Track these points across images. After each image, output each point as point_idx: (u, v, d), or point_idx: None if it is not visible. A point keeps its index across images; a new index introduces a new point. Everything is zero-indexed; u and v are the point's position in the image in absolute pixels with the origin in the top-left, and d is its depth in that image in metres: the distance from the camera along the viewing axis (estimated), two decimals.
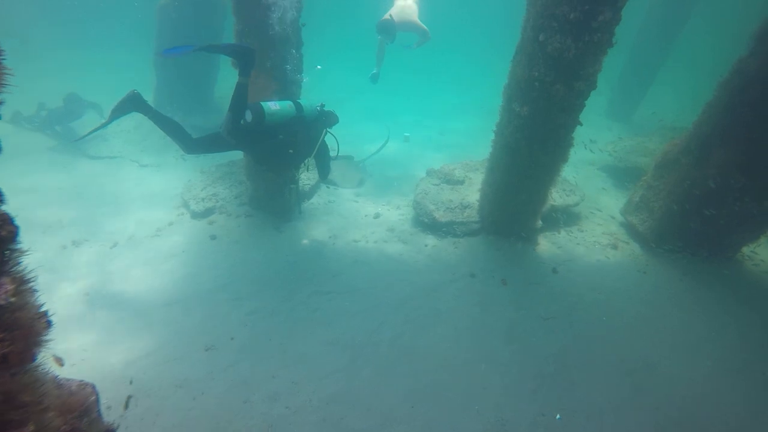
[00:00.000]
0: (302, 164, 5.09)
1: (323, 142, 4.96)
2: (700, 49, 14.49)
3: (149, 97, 9.56)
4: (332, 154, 5.16)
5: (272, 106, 4.50)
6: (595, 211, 6.83)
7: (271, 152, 4.69)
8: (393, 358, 4.16)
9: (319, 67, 5.52)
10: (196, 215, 6.13)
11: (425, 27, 7.35)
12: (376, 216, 6.44)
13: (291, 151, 4.69)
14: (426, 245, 5.77)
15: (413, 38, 7.63)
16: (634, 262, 5.69)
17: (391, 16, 7.08)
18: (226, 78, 7.42)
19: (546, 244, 5.85)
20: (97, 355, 4.02)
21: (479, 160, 7.15)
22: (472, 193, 6.34)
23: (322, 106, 4.97)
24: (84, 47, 15.70)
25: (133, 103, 4.42)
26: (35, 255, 5.32)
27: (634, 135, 9.83)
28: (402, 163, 8.73)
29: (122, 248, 5.54)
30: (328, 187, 7.23)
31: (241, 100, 4.32)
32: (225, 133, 4.40)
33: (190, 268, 5.20)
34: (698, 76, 13.20)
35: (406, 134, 10.03)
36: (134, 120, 9.18)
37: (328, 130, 4.97)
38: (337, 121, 5.11)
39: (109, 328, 4.33)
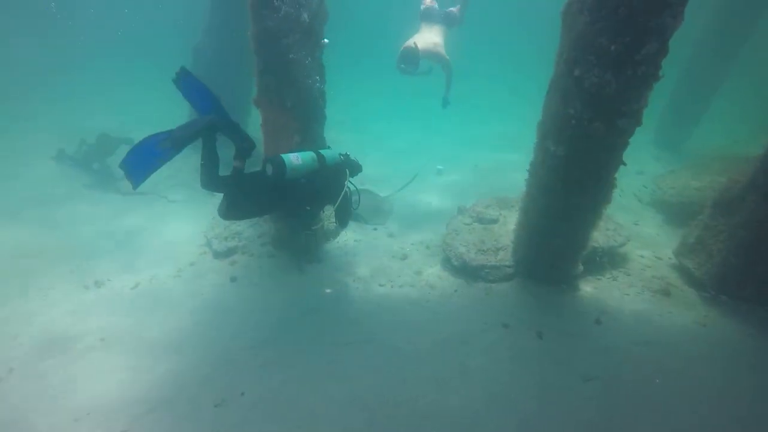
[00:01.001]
0: (321, 212, 4.96)
1: (345, 192, 4.81)
2: (758, 74, 13.47)
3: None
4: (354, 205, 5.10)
5: (294, 160, 4.39)
6: (644, 252, 6.22)
7: (287, 210, 4.64)
8: (414, 422, 3.76)
9: (326, 41, 5.25)
10: (218, 255, 6.01)
11: (448, 58, 7.06)
12: (404, 257, 6.11)
13: (308, 208, 4.60)
14: (455, 291, 5.38)
15: (431, 69, 7.32)
16: (691, 311, 5.06)
17: (415, 44, 6.86)
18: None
19: (588, 291, 5.33)
20: (104, 407, 3.85)
21: (515, 196, 6.73)
22: (506, 233, 5.93)
23: (346, 155, 4.86)
24: (125, 85, 16.53)
25: (208, 128, 4.22)
26: (57, 296, 5.34)
27: (686, 166, 9.08)
28: (434, 199, 8.39)
29: (142, 289, 5.46)
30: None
31: (238, 184, 4.39)
32: (222, 216, 4.46)
33: (207, 313, 5.03)
34: (758, 101, 12.31)
35: (439, 167, 9.71)
36: None
37: (350, 180, 4.82)
38: (360, 171, 5.05)
39: (119, 379, 4.17)
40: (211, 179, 4.37)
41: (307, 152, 4.56)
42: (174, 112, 8.27)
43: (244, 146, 4.38)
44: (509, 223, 6.10)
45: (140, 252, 6.29)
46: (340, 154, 4.87)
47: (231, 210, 4.43)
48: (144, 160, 4.14)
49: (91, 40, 20.73)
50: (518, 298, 5.20)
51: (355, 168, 5.00)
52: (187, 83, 4.21)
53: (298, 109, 5.03)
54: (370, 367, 4.30)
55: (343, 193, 4.73)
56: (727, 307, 5.04)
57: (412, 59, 6.85)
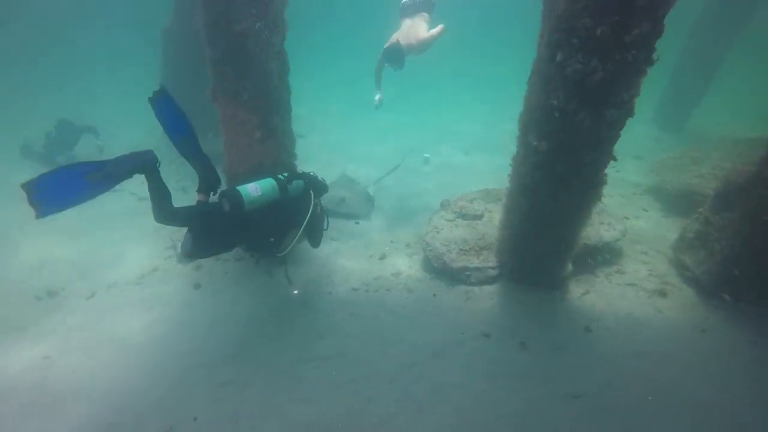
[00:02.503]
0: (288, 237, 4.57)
1: (313, 212, 4.46)
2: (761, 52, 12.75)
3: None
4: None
5: (253, 191, 4.01)
6: (640, 247, 5.79)
7: (249, 244, 4.41)
8: None
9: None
10: (182, 259, 5.61)
11: (436, 30, 6.46)
12: (382, 257, 5.70)
13: (272, 239, 4.31)
14: (434, 295, 4.99)
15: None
16: (689, 315, 4.66)
17: (398, 40, 6.34)
18: None
19: (578, 293, 4.93)
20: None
21: (503, 188, 6.27)
22: (491, 230, 5.50)
23: (310, 176, 4.62)
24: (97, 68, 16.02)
25: (145, 167, 3.81)
26: (6, 310, 4.96)
27: (687, 149, 8.56)
28: (420, 190, 7.93)
29: (100, 299, 5.09)
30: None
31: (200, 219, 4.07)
32: (186, 255, 4.12)
33: (165, 326, 4.66)
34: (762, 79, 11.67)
35: (425, 155, 9.21)
36: None
37: (316, 201, 4.52)
38: (326, 191, 4.81)
39: (61, 401, 3.82)
40: (164, 212, 3.90)
41: (267, 180, 4.21)
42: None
43: (209, 180, 4.04)
44: (495, 218, 5.66)
45: (100, 257, 5.89)
46: (303, 173, 4.58)
47: (197, 248, 4.04)
48: (63, 190, 3.42)
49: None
50: (501, 304, 4.81)
51: (320, 188, 4.71)
52: (163, 103, 3.87)
53: (256, 101, 4.57)
54: (336, 385, 3.94)
55: (308, 217, 4.39)
56: (729, 310, 4.63)
57: (397, 57, 6.33)
